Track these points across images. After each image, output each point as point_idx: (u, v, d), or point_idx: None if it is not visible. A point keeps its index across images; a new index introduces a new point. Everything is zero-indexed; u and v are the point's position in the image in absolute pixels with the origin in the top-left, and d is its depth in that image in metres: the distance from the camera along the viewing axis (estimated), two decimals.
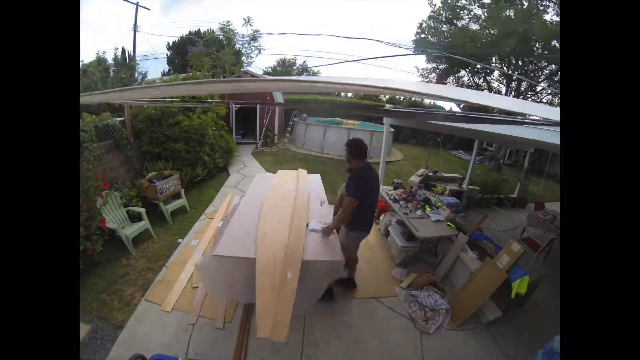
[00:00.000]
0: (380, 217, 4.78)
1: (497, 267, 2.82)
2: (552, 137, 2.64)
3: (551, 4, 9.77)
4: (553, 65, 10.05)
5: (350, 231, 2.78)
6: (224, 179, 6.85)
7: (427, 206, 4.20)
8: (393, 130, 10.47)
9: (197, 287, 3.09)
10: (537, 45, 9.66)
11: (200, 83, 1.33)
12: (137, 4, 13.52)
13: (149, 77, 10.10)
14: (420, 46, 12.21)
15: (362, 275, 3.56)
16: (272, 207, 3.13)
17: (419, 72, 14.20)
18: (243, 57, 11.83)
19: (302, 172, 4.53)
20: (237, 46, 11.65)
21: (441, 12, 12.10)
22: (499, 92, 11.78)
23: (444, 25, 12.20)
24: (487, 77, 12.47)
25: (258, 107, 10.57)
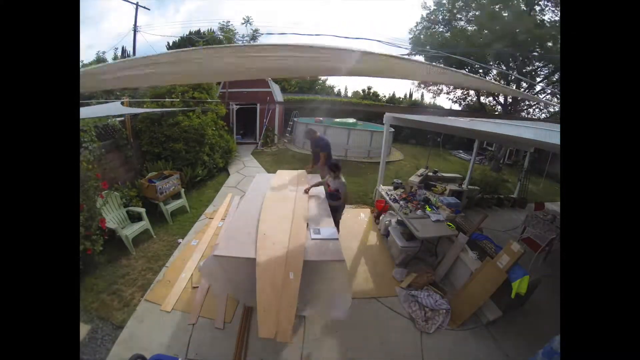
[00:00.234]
0: (380, 217, 4.78)
1: (497, 267, 2.82)
2: (552, 137, 2.64)
3: (549, 4, 9.78)
4: (551, 65, 10.06)
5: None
6: (223, 179, 6.84)
7: (427, 206, 4.20)
8: (393, 130, 10.45)
9: (197, 287, 3.10)
10: (532, 46, 9.67)
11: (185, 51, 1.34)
12: (137, 4, 13.51)
13: None
14: (417, 45, 12.22)
15: (362, 275, 3.57)
16: (272, 207, 3.13)
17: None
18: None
19: (302, 172, 4.53)
20: None
21: (437, 12, 12.10)
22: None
23: (440, 26, 12.21)
24: (486, 77, 12.47)
25: (258, 107, 10.58)
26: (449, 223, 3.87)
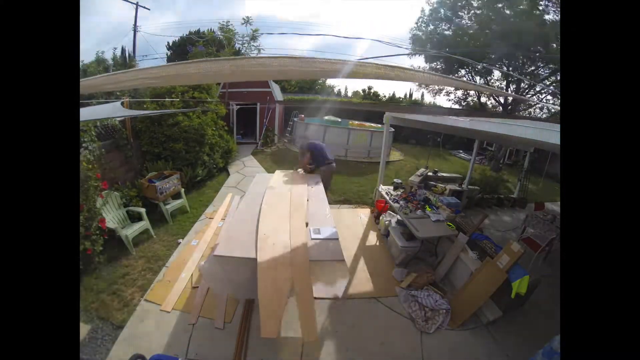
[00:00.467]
0: (380, 217, 4.78)
1: (497, 267, 2.82)
2: (552, 137, 2.63)
3: (550, 3, 9.78)
4: (552, 65, 10.06)
5: (320, 167, 4.58)
6: (223, 179, 6.84)
7: (427, 206, 4.20)
8: (393, 130, 10.45)
9: (197, 287, 3.10)
10: (534, 45, 9.67)
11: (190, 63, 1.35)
12: (137, 4, 13.52)
13: None
14: (418, 44, 12.22)
15: (362, 275, 3.57)
16: (272, 207, 3.13)
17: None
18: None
19: (302, 172, 4.53)
20: (237, 46, 11.66)
21: (438, 10, 12.10)
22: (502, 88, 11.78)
23: (442, 24, 12.21)
24: (487, 77, 12.48)
25: (258, 107, 10.58)
26: (449, 223, 3.87)
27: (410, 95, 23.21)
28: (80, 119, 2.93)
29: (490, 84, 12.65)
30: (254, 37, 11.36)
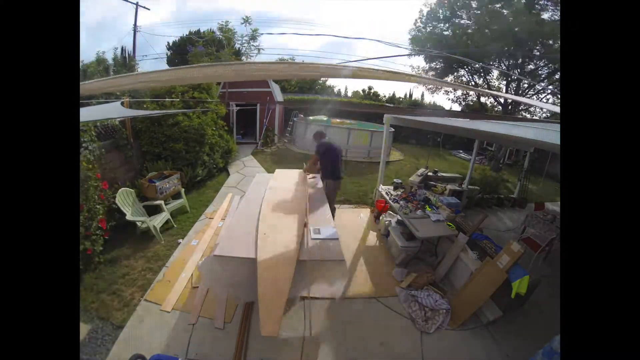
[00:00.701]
0: (380, 217, 4.78)
1: (497, 267, 2.82)
2: (552, 137, 2.63)
3: (549, 3, 9.77)
4: (551, 65, 10.06)
5: (325, 180, 4.20)
6: (223, 179, 6.84)
7: (427, 206, 4.20)
8: (393, 130, 10.45)
9: (197, 287, 3.10)
10: (533, 45, 9.67)
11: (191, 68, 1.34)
12: (137, 4, 13.51)
13: None
14: (417, 44, 12.23)
15: (362, 275, 3.57)
16: (272, 207, 3.13)
17: (414, 71, 14.21)
18: (243, 57, 11.85)
19: (301, 171, 4.53)
20: (237, 46, 11.66)
21: (437, 10, 12.10)
22: (499, 90, 11.79)
23: (441, 24, 12.21)
24: (487, 77, 12.48)
25: (258, 107, 10.58)
26: (449, 223, 3.87)
27: (410, 95, 23.24)
28: (80, 119, 2.94)
29: (489, 83, 12.65)
30: (253, 37, 11.36)
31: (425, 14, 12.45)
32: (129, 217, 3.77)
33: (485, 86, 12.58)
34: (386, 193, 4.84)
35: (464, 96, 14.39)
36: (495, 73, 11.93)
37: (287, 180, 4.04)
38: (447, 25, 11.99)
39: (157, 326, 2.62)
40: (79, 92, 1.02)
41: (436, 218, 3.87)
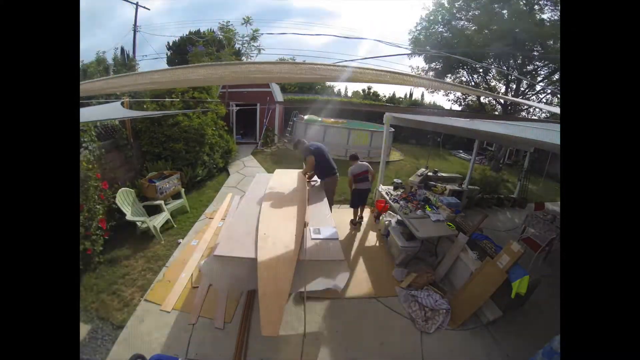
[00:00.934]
0: (380, 217, 4.78)
1: (497, 267, 2.82)
2: (552, 137, 2.63)
3: (548, 3, 9.77)
4: (551, 65, 10.06)
5: (323, 179, 4.27)
6: (223, 179, 6.84)
7: (427, 206, 4.20)
8: (393, 130, 10.45)
9: (197, 287, 3.10)
10: (532, 45, 9.66)
11: (194, 67, 1.35)
12: (137, 4, 13.51)
13: None
14: (417, 45, 12.23)
15: (362, 275, 3.56)
16: (271, 207, 3.13)
17: (414, 71, 14.20)
18: (243, 57, 11.85)
19: (301, 171, 4.52)
20: (237, 46, 11.66)
21: (437, 12, 12.10)
22: (498, 92, 11.80)
23: (440, 26, 12.21)
24: (487, 77, 12.48)
25: (258, 107, 10.58)
26: (449, 223, 3.87)
27: (411, 95, 23.23)
28: (80, 120, 2.94)
29: (489, 84, 12.65)
30: (254, 37, 11.35)
31: (424, 16, 12.47)
32: (129, 217, 3.76)
33: (485, 85, 12.59)
34: (386, 193, 4.84)
35: (464, 96, 14.39)
36: (495, 73, 11.93)
37: (287, 180, 4.04)
38: (446, 27, 12.00)
39: (157, 326, 2.62)
40: (79, 92, 1.02)
41: (436, 218, 3.87)
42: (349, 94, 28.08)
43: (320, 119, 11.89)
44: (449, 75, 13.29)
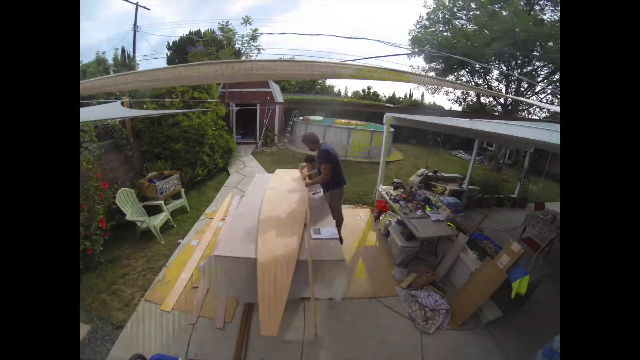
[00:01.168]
0: (380, 217, 4.78)
1: (497, 267, 2.82)
2: (552, 137, 2.63)
3: (548, 3, 9.76)
4: (552, 65, 10.06)
5: (332, 190, 3.69)
6: (223, 179, 6.84)
7: (427, 206, 4.20)
8: (393, 130, 10.46)
9: (197, 287, 3.10)
10: (533, 45, 9.65)
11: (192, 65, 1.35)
12: (137, 4, 13.51)
13: None
14: (417, 45, 12.22)
15: (362, 275, 3.56)
16: (272, 207, 3.13)
17: (414, 71, 14.18)
18: (243, 57, 11.87)
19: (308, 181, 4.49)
20: (237, 46, 11.67)
21: (437, 12, 12.09)
22: (499, 91, 11.79)
23: (440, 25, 12.21)
24: (487, 77, 12.47)
25: (258, 107, 10.58)
26: (449, 223, 3.87)
27: (411, 95, 23.21)
28: (80, 120, 2.94)
29: (489, 84, 12.63)
30: (253, 37, 11.37)
31: (424, 16, 12.46)
32: (129, 217, 3.77)
33: (485, 86, 12.57)
34: (386, 193, 4.83)
35: (464, 96, 14.38)
36: (495, 73, 11.92)
37: (287, 180, 4.04)
38: (446, 27, 11.98)
39: (157, 326, 2.62)
40: (79, 92, 1.02)
41: (436, 218, 3.87)
42: (349, 94, 28.10)
43: (321, 118, 11.90)
44: (450, 75, 13.28)
